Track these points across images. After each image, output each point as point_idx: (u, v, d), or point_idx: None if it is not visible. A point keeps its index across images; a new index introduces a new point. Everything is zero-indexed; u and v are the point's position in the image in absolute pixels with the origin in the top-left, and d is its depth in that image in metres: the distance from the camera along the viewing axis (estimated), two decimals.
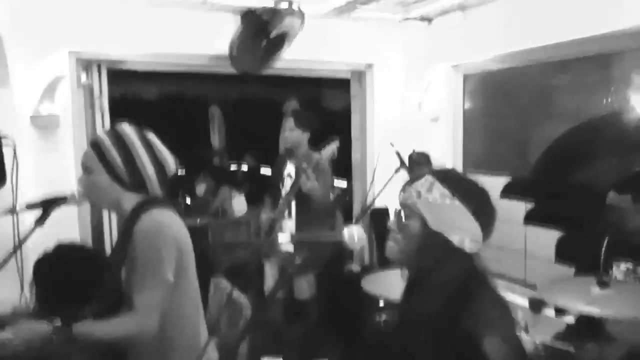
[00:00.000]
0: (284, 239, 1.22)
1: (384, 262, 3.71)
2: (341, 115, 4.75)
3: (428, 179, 1.24)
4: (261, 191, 3.59)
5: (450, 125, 3.80)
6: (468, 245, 1.21)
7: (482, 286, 1.22)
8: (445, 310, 1.17)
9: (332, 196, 3.30)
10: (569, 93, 3.18)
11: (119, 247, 1.63)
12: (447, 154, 3.75)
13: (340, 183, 5.98)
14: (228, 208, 5.66)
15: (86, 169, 1.65)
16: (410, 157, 3.33)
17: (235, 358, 1.99)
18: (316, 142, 3.21)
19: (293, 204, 3.11)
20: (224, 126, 8.06)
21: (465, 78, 3.81)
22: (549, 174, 3.19)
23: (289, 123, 3.22)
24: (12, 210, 1.81)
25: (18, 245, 1.78)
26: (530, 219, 3.31)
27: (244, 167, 8.03)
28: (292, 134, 3.20)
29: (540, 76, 3.34)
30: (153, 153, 1.64)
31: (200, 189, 5.85)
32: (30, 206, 1.74)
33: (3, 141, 2.56)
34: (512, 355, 1.14)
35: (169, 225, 1.60)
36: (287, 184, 3.21)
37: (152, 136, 1.68)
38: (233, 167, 7.06)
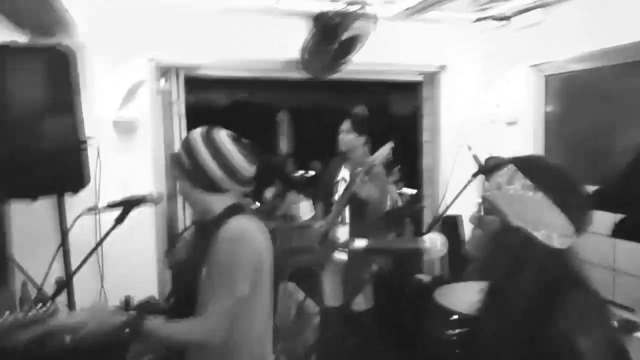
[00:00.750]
0: (360, 245, 1.15)
1: (456, 274, 3.57)
2: (408, 120, 4.65)
3: (510, 169, 1.15)
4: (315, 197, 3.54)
5: (529, 129, 3.59)
6: (557, 241, 1.09)
7: (577, 284, 1.10)
8: (534, 314, 1.06)
9: (388, 203, 3.19)
10: None
11: (200, 248, 1.65)
12: None
13: (409, 190, 5.85)
14: (295, 213, 5.69)
15: (175, 177, 1.75)
16: (486, 162, 3.17)
17: None
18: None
19: (347, 209, 3.02)
20: (291, 132, 8.17)
21: (547, 79, 3.59)
22: None
23: (345, 126, 3.15)
24: (95, 209, 1.88)
25: (99, 242, 1.85)
26: (620, 231, 3.04)
27: (311, 173, 8.08)
28: (347, 137, 3.13)
29: (628, 76, 3.08)
30: (219, 154, 1.63)
31: (268, 193, 5.93)
32: (112, 205, 1.81)
33: (88, 143, 2.69)
34: (613, 355, 1.02)
35: (253, 235, 1.61)
36: (340, 188, 3.12)
37: (222, 137, 1.67)
38: (300, 173, 7.11)
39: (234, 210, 1.65)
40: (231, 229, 1.57)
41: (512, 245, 1.11)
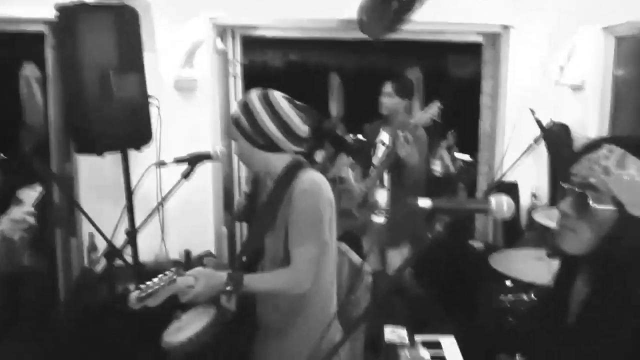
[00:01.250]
0: (425, 205, 1.14)
1: (510, 240, 3.51)
2: (468, 83, 4.51)
3: (613, 150, 1.00)
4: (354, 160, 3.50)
5: (597, 94, 3.40)
6: None
7: None
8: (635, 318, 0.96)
9: (429, 166, 3.12)
10: None
11: (269, 205, 1.71)
12: (591, 127, 3.38)
13: (463, 156, 5.73)
14: (345, 175, 5.72)
15: (233, 138, 1.78)
16: (548, 128, 3.05)
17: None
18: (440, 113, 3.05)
19: (386, 174, 2.98)
20: (342, 95, 8.11)
21: (618, 41, 3.37)
22: None
23: (386, 88, 3.08)
24: (161, 164, 1.96)
25: (164, 197, 1.93)
26: None
27: (361, 137, 8.03)
28: (389, 100, 3.06)
29: None
30: (277, 115, 1.68)
31: (319, 156, 5.97)
32: (179, 160, 1.88)
33: (150, 101, 2.78)
34: None
35: (326, 186, 1.69)
36: (379, 152, 3.08)
37: (278, 98, 1.71)
38: (351, 136, 7.09)
39: (298, 166, 1.71)
40: (308, 182, 1.64)
41: (631, 236, 0.98)
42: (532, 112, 2.64)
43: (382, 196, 3.05)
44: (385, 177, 3.03)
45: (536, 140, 2.59)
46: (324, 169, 5.74)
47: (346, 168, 5.74)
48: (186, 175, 1.84)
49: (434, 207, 1.14)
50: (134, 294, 1.51)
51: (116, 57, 2.52)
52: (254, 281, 1.62)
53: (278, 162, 1.72)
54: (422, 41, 3.98)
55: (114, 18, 2.51)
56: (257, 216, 1.86)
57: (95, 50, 2.47)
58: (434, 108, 2.77)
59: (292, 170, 1.69)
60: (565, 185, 1.05)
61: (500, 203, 1.14)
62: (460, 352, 1.80)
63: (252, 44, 4.63)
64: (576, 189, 1.02)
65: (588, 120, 3.42)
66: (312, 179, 1.66)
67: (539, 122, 2.64)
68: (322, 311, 1.74)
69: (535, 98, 3.48)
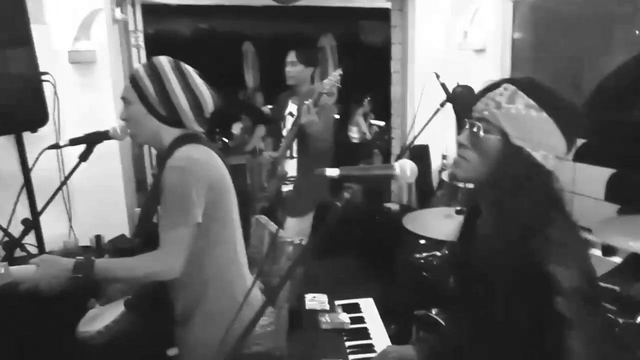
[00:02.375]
0: (332, 174, 1.15)
1: (423, 201, 3.67)
2: (380, 50, 4.57)
3: (508, 88, 1.10)
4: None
5: (497, 57, 3.59)
6: (551, 163, 1.08)
7: (558, 209, 1.10)
8: (522, 235, 1.05)
9: (344, 134, 3.17)
10: (630, 23, 2.92)
11: (155, 183, 1.61)
12: None
13: (378, 122, 5.85)
14: (264, 147, 5.66)
15: (125, 100, 1.62)
16: (454, 91, 3.17)
17: (278, 296, 2.02)
18: (355, 80, 3.07)
19: (295, 144, 2.98)
20: (257, 64, 7.93)
21: (515, 6, 3.55)
22: (602, 110, 3.01)
23: (290, 57, 3.02)
24: (56, 146, 1.82)
25: (64, 181, 1.80)
26: (581, 156, 3.16)
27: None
28: (294, 69, 3.01)
29: (598, 4, 3.07)
30: (189, 87, 1.59)
31: (237, 128, 5.85)
32: (74, 141, 1.75)
33: (43, 78, 2.56)
34: (584, 284, 1.02)
35: (201, 162, 1.54)
36: (289, 123, 3.07)
37: (190, 70, 1.62)
38: (269, 107, 7.01)
39: (183, 140, 1.58)
40: (178, 158, 1.51)
41: (513, 164, 1.08)
42: (437, 76, 2.73)
43: (291, 166, 3.04)
44: (294, 147, 3.02)
45: (442, 104, 2.69)
46: (241, 141, 5.65)
47: (265, 140, 5.71)
48: (84, 157, 1.72)
49: (341, 175, 1.15)
50: None
51: None
52: (108, 267, 1.49)
53: (169, 135, 1.59)
54: (333, 7, 3.96)
55: None
56: (147, 195, 1.77)
57: None
58: (336, 75, 2.76)
59: (175, 145, 1.57)
60: (467, 121, 1.15)
61: (404, 168, 1.16)
62: (381, 312, 1.87)
63: (158, 13, 4.38)
64: (471, 122, 1.13)
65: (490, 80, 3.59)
66: (187, 155, 1.53)
67: (443, 86, 2.74)
68: (225, 293, 1.64)
69: (442, 62, 3.60)
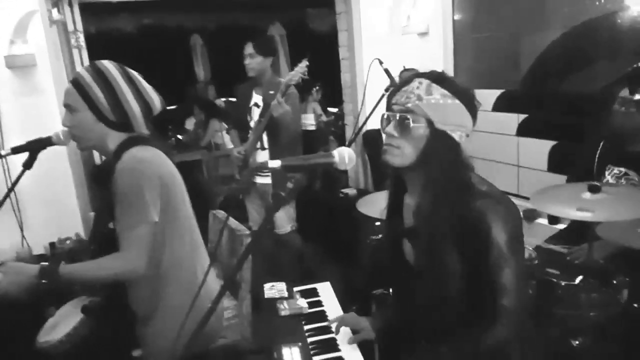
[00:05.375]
0: (275, 165, 1.19)
1: (379, 184, 3.75)
2: (328, 38, 4.60)
3: (422, 82, 1.25)
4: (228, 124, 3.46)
5: (439, 39, 3.69)
6: (463, 141, 1.28)
7: (473, 177, 1.29)
8: (458, 196, 1.24)
9: (299, 123, 3.20)
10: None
11: (107, 189, 1.60)
12: (437, 69, 3.65)
13: (331, 109, 5.91)
14: (219, 141, 5.63)
15: (69, 107, 1.59)
16: (400, 75, 3.24)
17: (236, 285, 2.05)
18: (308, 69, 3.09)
19: (264, 134, 3.01)
20: (207, 57, 7.82)
21: None
22: (542, 83, 3.15)
23: (248, 49, 3.01)
24: None
25: (10, 189, 1.76)
26: (524, 131, 3.30)
27: (234, 99, 7.86)
28: (253, 61, 3.02)
29: None
30: (137, 90, 1.58)
31: (190, 123, 5.78)
32: (16, 150, 1.71)
33: None
34: (513, 228, 1.22)
35: (150, 162, 1.55)
36: (255, 114, 3.09)
37: (136, 74, 1.61)
38: (222, 100, 6.92)
39: (129, 143, 1.58)
40: (126, 160, 1.52)
41: (440, 147, 1.25)
42: (380, 62, 2.78)
43: (262, 157, 3.04)
44: (265, 138, 3.03)
45: (387, 89, 2.74)
46: (196, 136, 5.60)
47: (220, 133, 5.67)
48: (28, 165, 1.68)
49: (283, 166, 1.19)
50: None
51: None
52: (73, 271, 1.49)
53: (114, 139, 1.58)
54: None
55: None
56: (100, 201, 1.76)
57: None
58: (303, 66, 2.79)
59: (122, 148, 1.56)
60: (388, 113, 1.30)
61: (342, 156, 1.21)
62: (342, 294, 1.92)
63: (98, 11, 4.27)
64: (397, 114, 1.27)
65: (435, 63, 3.69)
66: (134, 155, 1.53)
67: (387, 72, 2.79)
68: (184, 288, 1.66)
69: (388, 47, 3.67)
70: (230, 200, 4.54)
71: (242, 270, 2.12)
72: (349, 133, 4.03)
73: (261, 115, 2.97)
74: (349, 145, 2.96)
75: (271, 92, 2.82)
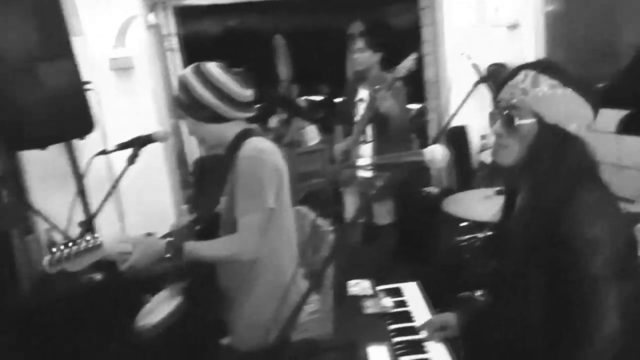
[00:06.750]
0: (365, 163, 1.19)
1: (464, 183, 3.64)
2: (410, 33, 4.51)
3: (528, 74, 1.17)
4: (335, 120, 3.50)
5: (530, 32, 3.50)
6: (583, 132, 1.17)
7: (593, 176, 1.19)
8: (560, 202, 1.13)
9: (409, 116, 3.15)
10: None
11: (219, 175, 1.72)
12: None
13: (413, 106, 5.79)
14: (301, 139, 5.73)
15: (178, 116, 1.75)
16: (488, 69, 3.13)
17: (322, 283, 2.07)
18: (387, 65, 3.07)
19: (369, 129, 3.01)
20: (289, 57, 7.97)
21: None
22: None
23: (357, 44, 3.05)
24: (104, 152, 1.92)
25: (114, 184, 1.90)
26: (625, 127, 3.06)
27: (317, 98, 7.97)
28: (362, 55, 3.03)
29: None
30: (214, 85, 1.67)
31: (273, 121, 5.94)
32: (122, 146, 1.85)
33: (87, 87, 2.69)
34: (623, 243, 1.10)
35: (269, 152, 1.67)
36: (360, 109, 3.11)
37: (215, 69, 1.70)
38: (304, 98, 7.02)
39: (245, 134, 1.71)
40: (249, 149, 1.64)
41: (551, 141, 1.16)
42: (468, 57, 2.69)
43: (366, 151, 3.07)
44: (368, 132, 3.05)
45: (475, 85, 2.66)
46: (279, 135, 5.73)
47: (302, 131, 5.76)
48: (131, 160, 1.81)
49: (372, 163, 1.19)
50: (46, 258, 1.47)
51: (39, 45, 2.40)
52: (196, 249, 1.61)
53: (228, 132, 1.72)
54: None
55: (31, 2, 2.37)
56: (208, 186, 1.87)
57: (15, 38, 2.34)
58: (411, 59, 2.79)
59: (239, 139, 1.69)
60: (494, 111, 1.23)
61: (434, 153, 1.19)
62: (424, 296, 1.89)
63: (187, 14, 4.48)
64: (503, 112, 1.20)
65: (525, 57, 3.51)
66: (254, 146, 1.66)
67: (475, 67, 2.70)
68: (277, 277, 1.75)
69: (474, 41, 3.54)
70: (317, 195, 4.62)
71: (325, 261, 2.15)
72: (432, 130, 3.94)
73: (366, 109, 2.98)
74: (433, 143, 2.90)
75: (377, 87, 2.82)
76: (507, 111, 1.19)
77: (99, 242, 1.51)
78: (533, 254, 1.15)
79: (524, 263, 1.16)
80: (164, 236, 3.04)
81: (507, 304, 1.26)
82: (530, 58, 3.51)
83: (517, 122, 1.17)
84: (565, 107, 1.15)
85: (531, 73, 1.17)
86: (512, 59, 3.47)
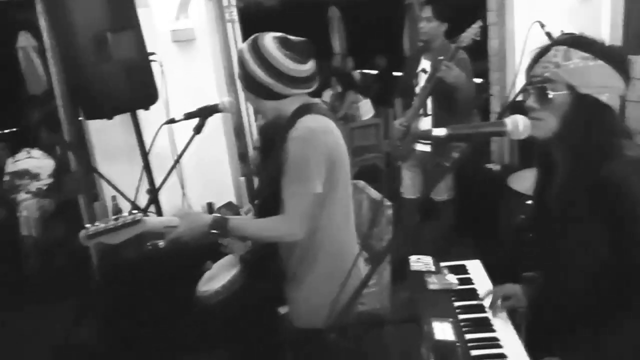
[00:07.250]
0: (440, 133, 1.14)
1: (526, 160, 3.49)
2: (473, 3, 4.32)
3: (559, 49, 1.22)
4: (392, 93, 3.41)
5: (607, 1, 3.26)
6: (615, 103, 1.22)
7: (628, 138, 1.24)
8: (602, 160, 1.19)
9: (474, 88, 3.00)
10: None
11: (276, 152, 1.69)
12: (604, 35, 3.25)
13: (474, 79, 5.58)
14: (355, 112, 5.66)
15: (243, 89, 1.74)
16: (557, 40, 2.94)
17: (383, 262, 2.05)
18: (449, 35, 2.95)
19: (429, 100, 2.91)
20: (343, 29, 7.85)
21: None
22: None
23: (425, 13, 2.93)
24: (172, 121, 1.95)
25: (181, 153, 1.94)
26: None
27: (372, 71, 7.82)
28: (429, 25, 2.91)
29: None
30: (267, 62, 1.61)
31: (327, 95, 5.89)
32: (189, 115, 1.87)
33: (151, 59, 2.74)
34: None
35: (322, 132, 1.61)
36: (422, 81, 3.01)
37: (270, 44, 1.63)
38: (359, 71, 6.91)
39: (302, 110, 1.65)
40: (299, 129, 1.59)
41: (584, 111, 1.20)
42: (542, 25, 2.52)
43: (425, 124, 2.98)
44: (429, 104, 2.95)
45: None
46: (332, 108, 5.68)
47: (356, 105, 5.69)
48: (198, 130, 1.84)
49: (449, 134, 1.14)
50: (82, 232, 1.52)
51: (109, 17, 2.46)
52: (240, 226, 1.62)
53: (287, 107, 1.67)
54: None
55: None
56: (269, 162, 1.85)
57: (86, 11, 2.41)
58: (476, 27, 2.68)
59: (294, 117, 1.64)
60: (528, 87, 1.28)
61: (516, 123, 1.14)
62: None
63: None
64: (536, 86, 1.24)
65: (601, 28, 3.30)
66: (306, 125, 1.60)
67: (549, 35, 2.52)
68: (335, 257, 1.72)
69: (543, 11, 3.34)
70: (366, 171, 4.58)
71: (383, 241, 2.13)
72: (494, 104, 3.78)
73: (427, 81, 2.89)
74: (499, 118, 2.78)
75: (440, 57, 2.72)
76: (540, 85, 1.23)
77: (138, 218, 1.54)
78: (578, 220, 1.20)
79: (564, 235, 1.23)
80: (221, 207, 3.12)
81: (556, 279, 1.32)
82: (605, 28, 3.30)
83: (551, 94, 1.21)
84: (597, 78, 1.19)
85: (562, 48, 1.21)
86: (585, 30, 3.26)
